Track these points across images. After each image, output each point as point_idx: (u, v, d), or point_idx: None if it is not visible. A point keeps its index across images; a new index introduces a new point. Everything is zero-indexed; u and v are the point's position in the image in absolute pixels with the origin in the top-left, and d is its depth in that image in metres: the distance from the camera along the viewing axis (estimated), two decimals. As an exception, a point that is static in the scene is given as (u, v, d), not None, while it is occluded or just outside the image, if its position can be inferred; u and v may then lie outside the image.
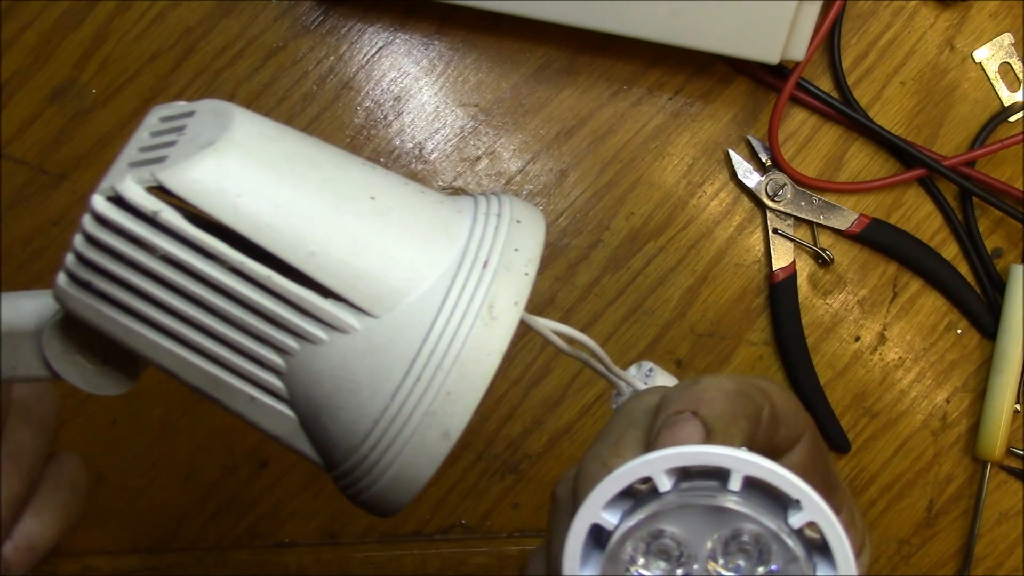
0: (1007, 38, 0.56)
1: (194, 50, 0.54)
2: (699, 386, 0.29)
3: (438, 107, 0.55)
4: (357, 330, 0.29)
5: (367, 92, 0.55)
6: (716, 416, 0.27)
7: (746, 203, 0.56)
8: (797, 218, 0.56)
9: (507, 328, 0.30)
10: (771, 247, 0.56)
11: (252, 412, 0.30)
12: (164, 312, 0.28)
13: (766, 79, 0.55)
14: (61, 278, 0.28)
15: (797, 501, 0.25)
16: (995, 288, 0.56)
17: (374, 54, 0.55)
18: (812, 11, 0.50)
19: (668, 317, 0.56)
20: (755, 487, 0.25)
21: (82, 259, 0.28)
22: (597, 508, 0.26)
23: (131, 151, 0.29)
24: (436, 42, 0.55)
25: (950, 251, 0.57)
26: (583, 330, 0.58)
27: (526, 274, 0.31)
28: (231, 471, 0.57)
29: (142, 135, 0.29)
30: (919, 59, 0.56)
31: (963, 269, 0.56)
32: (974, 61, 0.56)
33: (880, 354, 0.57)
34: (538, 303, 0.56)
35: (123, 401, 0.56)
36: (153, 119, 0.30)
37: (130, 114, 0.55)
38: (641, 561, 0.26)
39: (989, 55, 0.56)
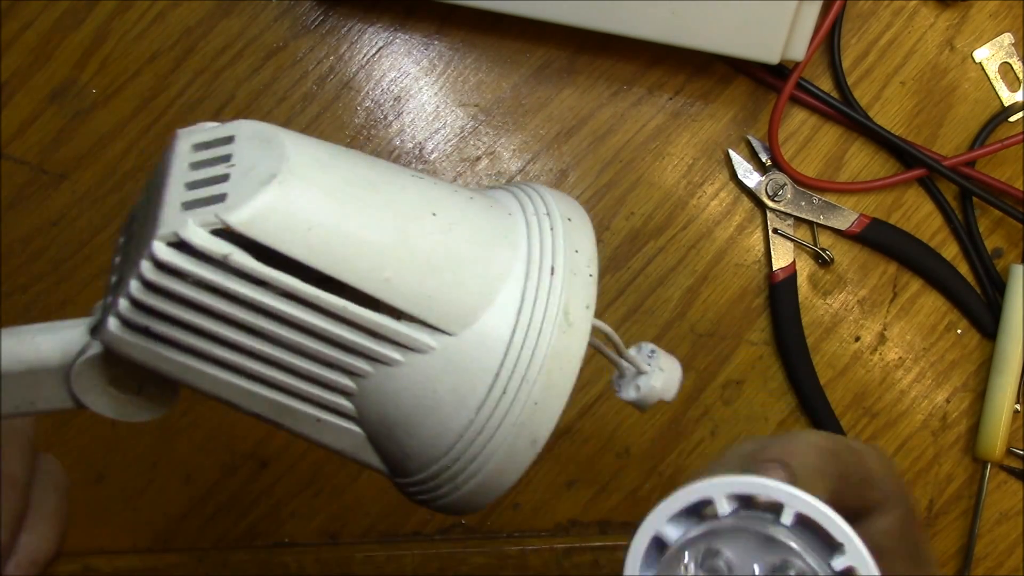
0: (1007, 38, 0.56)
1: (194, 50, 0.54)
2: (793, 439, 0.31)
3: (438, 107, 0.55)
4: (435, 349, 0.29)
5: (367, 92, 0.55)
6: (803, 467, 0.29)
7: (746, 203, 0.56)
8: (797, 218, 0.56)
9: (584, 333, 0.30)
10: (771, 247, 0.56)
11: (318, 433, 0.30)
12: (231, 350, 0.28)
13: (766, 79, 0.55)
14: (113, 324, 0.27)
15: (841, 544, 0.26)
16: (995, 288, 0.56)
17: (374, 54, 0.55)
18: (812, 11, 0.50)
19: (668, 317, 0.56)
20: (807, 526, 0.27)
21: (140, 305, 0.27)
22: (662, 521, 0.28)
23: (177, 188, 0.27)
24: (436, 42, 0.55)
25: (950, 251, 0.57)
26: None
27: (591, 275, 0.32)
28: (231, 471, 0.57)
29: (180, 168, 0.28)
30: (919, 59, 0.56)
31: (963, 269, 0.56)
32: (974, 61, 0.56)
33: (880, 354, 0.57)
34: (538, 303, 0.56)
35: (123, 401, 0.56)
36: (184, 147, 0.28)
37: (130, 114, 0.55)
38: (694, 572, 0.28)
39: (989, 55, 0.56)
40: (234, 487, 0.57)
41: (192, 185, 0.27)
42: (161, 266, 0.26)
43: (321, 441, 0.30)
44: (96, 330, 0.29)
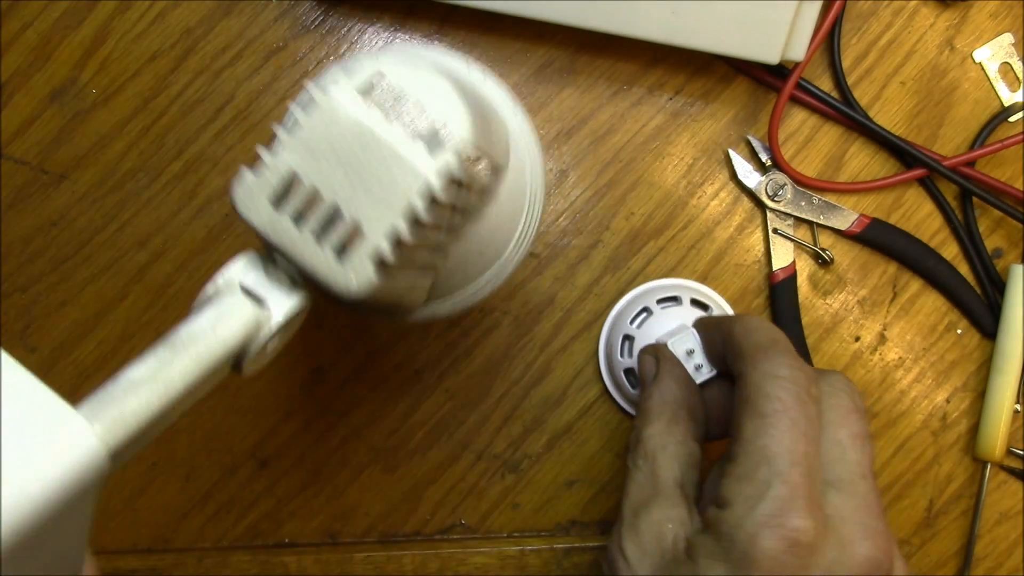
0: (1007, 38, 0.56)
1: (194, 50, 0.54)
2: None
3: (438, 107, 0.55)
4: (500, 193, 0.37)
5: (367, 92, 0.55)
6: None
7: (746, 203, 0.56)
8: (797, 218, 0.56)
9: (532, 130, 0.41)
10: (771, 247, 0.56)
11: (411, 297, 0.35)
12: (434, 252, 0.34)
13: (766, 79, 0.55)
14: (370, 273, 0.30)
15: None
16: (995, 288, 0.56)
17: (374, 54, 0.55)
18: (812, 11, 0.50)
19: (668, 317, 0.56)
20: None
21: (403, 246, 0.30)
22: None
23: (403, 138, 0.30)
24: (436, 42, 0.55)
25: (950, 251, 0.57)
26: (582, 331, 0.59)
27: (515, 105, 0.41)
28: (231, 471, 0.57)
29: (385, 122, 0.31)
30: (919, 59, 0.56)
31: (963, 269, 0.56)
32: (974, 61, 0.56)
33: (880, 354, 0.57)
34: (538, 303, 0.56)
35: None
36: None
37: (130, 114, 0.55)
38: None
39: (989, 55, 0.56)
40: (234, 487, 0.57)
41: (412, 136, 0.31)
42: (434, 200, 0.30)
43: (405, 301, 0.35)
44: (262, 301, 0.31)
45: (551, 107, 0.55)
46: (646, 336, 0.52)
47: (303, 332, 0.56)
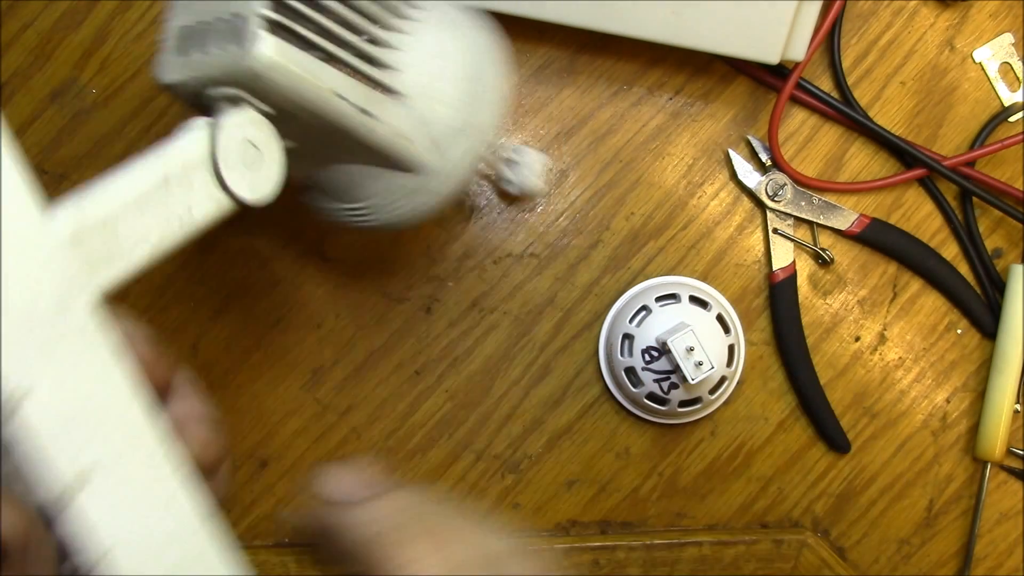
0: (1007, 38, 0.56)
1: (194, 50, 0.54)
2: None
3: (438, 107, 0.55)
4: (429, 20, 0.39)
5: (367, 92, 0.55)
6: None
7: (746, 203, 0.56)
8: (797, 218, 0.56)
9: None
10: (771, 247, 0.56)
11: (383, 116, 0.36)
12: (347, 34, 0.35)
13: (766, 79, 0.55)
14: (265, 38, 0.32)
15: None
16: (995, 288, 0.56)
17: (374, 54, 0.55)
18: (812, 11, 0.50)
19: (668, 317, 0.56)
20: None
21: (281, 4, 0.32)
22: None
23: None
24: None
25: (950, 251, 0.57)
26: (582, 331, 0.59)
27: None
28: (231, 471, 0.57)
29: None
30: (919, 59, 0.56)
31: (963, 269, 0.56)
32: (974, 61, 0.56)
33: (880, 354, 0.57)
34: (538, 303, 0.56)
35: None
36: None
37: (130, 114, 0.55)
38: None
39: (989, 55, 0.56)
40: (234, 487, 0.57)
41: None
42: None
43: (389, 125, 0.36)
44: (217, 114, 0.33)
45: (551, 107, 0.55)
46: (646, 334, 0.52)
47: (303, 332, 0.56)
